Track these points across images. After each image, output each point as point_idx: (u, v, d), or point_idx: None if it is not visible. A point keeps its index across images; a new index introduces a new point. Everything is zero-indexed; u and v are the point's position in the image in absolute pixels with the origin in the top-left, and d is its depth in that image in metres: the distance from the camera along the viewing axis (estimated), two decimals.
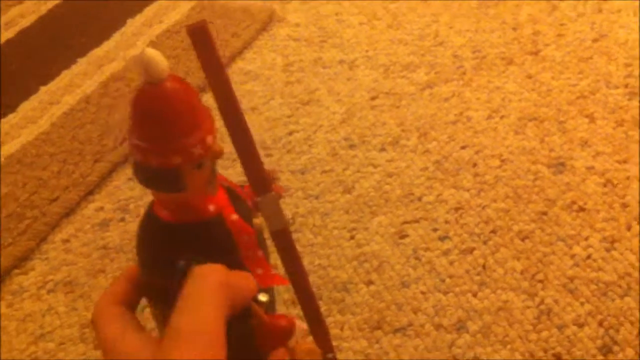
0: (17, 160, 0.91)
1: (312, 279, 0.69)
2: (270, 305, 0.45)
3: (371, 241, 0.73)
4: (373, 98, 0.92)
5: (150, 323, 0.40)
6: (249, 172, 0.41)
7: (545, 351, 0.61)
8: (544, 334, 0.62)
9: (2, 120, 1.00)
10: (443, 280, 0.68)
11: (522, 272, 0.67)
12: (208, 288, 0.35)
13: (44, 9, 1.25)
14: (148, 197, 0.84)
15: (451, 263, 0.69)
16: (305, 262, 0.70)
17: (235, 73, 1.02)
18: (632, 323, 0.62)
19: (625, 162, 0.76)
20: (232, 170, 0.78)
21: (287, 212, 0.77)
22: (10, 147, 0.94)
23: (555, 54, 0.93)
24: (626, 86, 0.85)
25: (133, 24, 1.16)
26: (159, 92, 0.36)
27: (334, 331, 0.65)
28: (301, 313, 0.67)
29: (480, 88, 0.89)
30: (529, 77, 0.90)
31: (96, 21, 1.19)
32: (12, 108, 1.02)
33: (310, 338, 0.49)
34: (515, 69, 0.91)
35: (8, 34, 1.20)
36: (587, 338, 0.61)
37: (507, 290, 0.66)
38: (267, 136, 0.88)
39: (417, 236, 0.73)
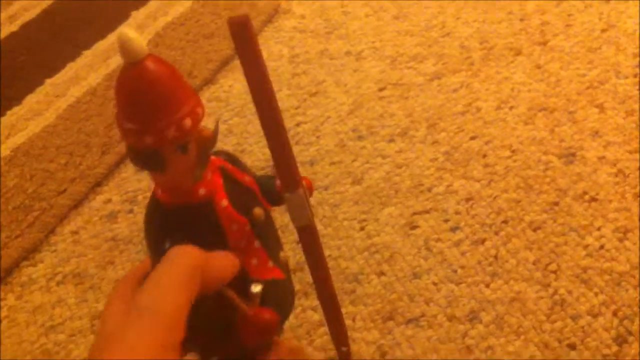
0: (24, 153, 0.90)
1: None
2: (274, 298, 0.44)
3: (381, 232, 0.73)
4: (381, 89, 0.91)
5: None
6: (280, 167, 0.41)
7: (560, 341, 0.61)
8: (558, 324, 0.62)
9: (8, 112, 1.00)
10: (455, 271, 0.68)
11: (534, 263, 0.67)
12: (176, 270, 0.35)
13: (47, 2, 1.24)
14: None
15: (463, 254, 0.69)
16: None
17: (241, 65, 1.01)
18: None
19: (636, 152, 0.75)
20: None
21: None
22: (16, 140, 0.93)
23: (563, 44, 0.92)
24: (635, 76, 0.85)
25: (137, 16, 1.15)
26: (135, 72, 0.36)
27: (346, 322, 0.64)
28: (314, 304, 0.67)
29: (489, 79, 0.89)
30: (538, 67, 0.89)
31: (100, 14, 1.18)
32: (18, 100, 1.01)
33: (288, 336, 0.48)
34: (523, 60, 0.91)
35: (12, 27, 1.20)
36: (602, 328, 0.61)
37: (520, 281, 0.66)
38: None
39: (427, 227, 0.72)
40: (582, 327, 0.61)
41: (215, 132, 0.40)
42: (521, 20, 0.98)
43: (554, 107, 0.83)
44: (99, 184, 0.85)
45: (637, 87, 0.83)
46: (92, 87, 1.00)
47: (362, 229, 0.74)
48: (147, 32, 1.10)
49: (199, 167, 0.40)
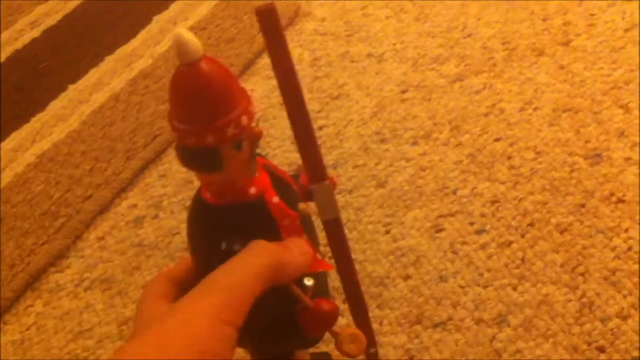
0: (49, 159, 0.91)
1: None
2: (320, 289, 0.45)
3: (407, 235, 0.73)
4: (403, 91, 0.91)
5: None
6: (307, 159, 0.41)
7: (589, 344, 0.60)
8: (587, 327, 0.61)
9: (32, 118, 1.01)
10: (482, 274, 0.68)
11: (562, 265, 0.66)
12: (252, 261, 0.36)
13: (69, 7, 1.25)
14: (182, 193, 0.85)
15: (489, 257, 0.69)
16: None
17: (262, 68, 1.02)
18: None
19: None
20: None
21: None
22: (42, 146, 0.94)
23: (586, 44, 0.92)
24: None
25: (159, 21, 1.16)
26: (192, 72, 0.36)
27: (373, 326, 0.65)
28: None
29: (512, 80, 0.89)
30: (561, 67, 0.89)
31: (122, 19, 1.19)
32: (42, 106, 1.02)
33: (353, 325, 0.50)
34: (546, 60, 0.90)
35: (34, 33, 1.21)
36: (631, 330, 0.60)
37: (548, 284, 0.65)
38: None
39: (453, 230, 0.72)
40: (611, 329, 0.61)
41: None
42: (543, 20, 0.97)
43: (578, 107, 0.82)
44: (124, 189, 0.86)
45: None
46: (116, 93, 1.01)
47: (387, 232, 0.74)
48: (168, 37, 1.11)
49: (251, 164, 0.41)
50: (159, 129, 0.92)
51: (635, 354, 0.59)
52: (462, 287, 0.67)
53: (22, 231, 0.82)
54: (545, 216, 0.71)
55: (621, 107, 0.81)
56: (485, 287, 0.66)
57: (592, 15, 0.97)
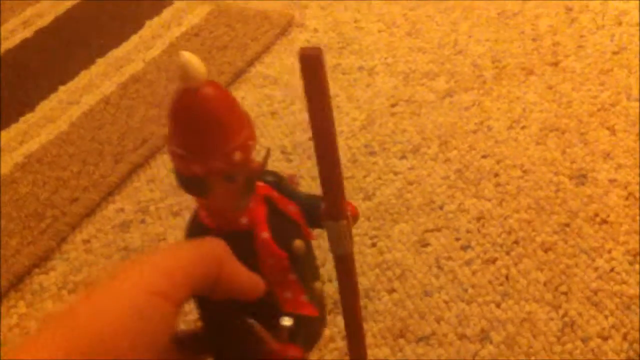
0: (37, 160, 0.91)
1: (334, 285, 0.69)
2: (304, 333, 0.43)
3: (393, 249, 0.73)
4: (393, 105, 0.92)
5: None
6: (328, 198, 0.40)
7: None
8: (568, 346, 0.62)
9: (21, 119, 1.00)
10: (466, 290, 0.68)
11: (545, 284, 0.67)
12: (195, 244, 0.36)
13: (61, 8, 1.25)
14: (169, 199, 0.85)
15: (474, 273, 0.70)
16: (328, 268, 0.70)
17: (253, 77, 1.02)
18: None
19: None
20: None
21: None
22: (30, 146, 0.94)
23: (575, 65, 0.93)
24: None
25: (151, 25, 1.16)
26: (191, 99, 0.35)
27: None
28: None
29: (501, 98, 0.90)
30: (550, 87, 0.90)
31: (114, 22, 1.19)
32: (31, 107, 1.02)
33: None
34: (535, 80, 0.92)
35: (26, 33, 1.21)
36: (612, 351, 0.61)
37: (531, 302, 0.66)
38: (287, 141, 0.89)
39: (439, 245, 0.73)
40: (592, 349, 0.62)
41: (264, 162, 0.39)
42: (533, 40, 0.99)
43: (565, 128, 0.83)
44: (111, 193, 0.86)
45: None
46: (106, 96, 1.01)
47: (373, 245, 0.74)
48: (160, 41, 1.11)
49: (244, 196, 0.40)
50: (148, 134, 0.92)
51: None
52: (446, 302, 0.68)
53: (7, 231, 0.81)
54: (530, 234, 0.72)
55: (607, 128, 0.82)
56: (469, 303, 0.67)
57: (581, 37, 0.98)
